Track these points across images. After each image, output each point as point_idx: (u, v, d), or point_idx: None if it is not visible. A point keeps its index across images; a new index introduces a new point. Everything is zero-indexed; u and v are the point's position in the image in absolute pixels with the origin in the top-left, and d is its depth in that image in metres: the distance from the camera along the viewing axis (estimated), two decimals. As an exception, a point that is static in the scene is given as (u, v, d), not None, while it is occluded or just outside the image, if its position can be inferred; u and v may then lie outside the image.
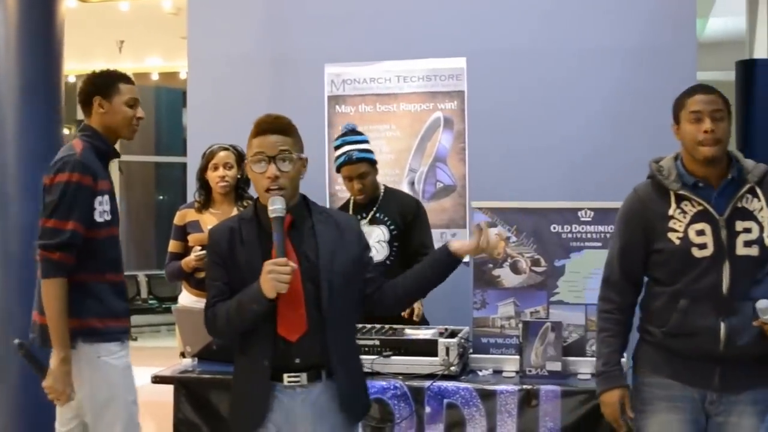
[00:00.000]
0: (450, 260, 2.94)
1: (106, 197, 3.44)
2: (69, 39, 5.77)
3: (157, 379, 3.88)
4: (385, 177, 5.07)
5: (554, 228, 3.88)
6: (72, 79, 12.30)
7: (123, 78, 3.56)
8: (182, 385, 3.85)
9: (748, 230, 2.93)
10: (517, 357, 3.78)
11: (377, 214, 4.40)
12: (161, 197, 14.93)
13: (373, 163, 4.39)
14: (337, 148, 4.42)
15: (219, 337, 3.22)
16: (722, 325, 2.91)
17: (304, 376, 2.87)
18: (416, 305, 4.21)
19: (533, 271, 3.90)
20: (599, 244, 3.83)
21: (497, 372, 3.83)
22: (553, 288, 3.87)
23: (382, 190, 4.48)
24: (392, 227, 4.38)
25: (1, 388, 5.03)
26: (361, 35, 5.35)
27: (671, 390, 3.03)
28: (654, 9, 5.08)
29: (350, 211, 4.42)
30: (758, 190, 2.97)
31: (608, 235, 3.79)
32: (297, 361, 2.85)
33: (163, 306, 12.58)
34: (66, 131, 13.35)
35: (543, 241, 3.89)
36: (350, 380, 2.95)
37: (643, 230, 3.06)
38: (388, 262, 4.37)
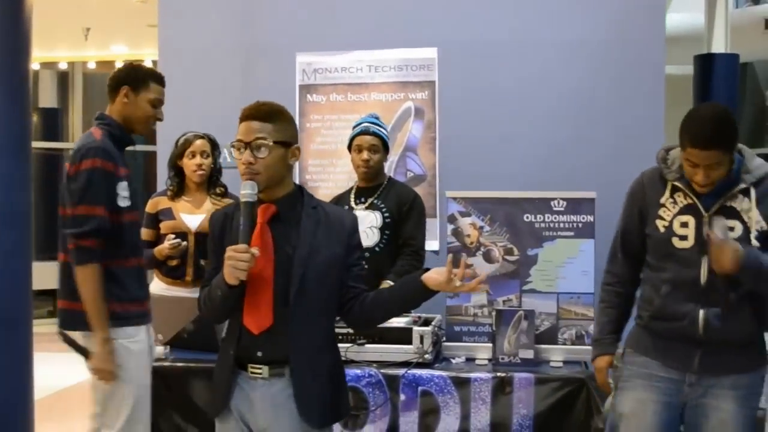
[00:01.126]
0: (422, 293, 2.82)
1: (125, 183, 3.50)
2: (35, 26, 5.71)
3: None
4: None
5: (527, 217, 3.92)
6: (36, 67, 12.17)
7: (156, 78, 3.64)
8: (156, 373, 3.84)
9: (731, 229, 2.98)
10: (490, 345, 3.82)
11: (375, 201, 4.41)
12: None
13: (386, 144, 4.41)
14: (356, 126, 4.44)
15: (209, 320, 3.29)
16: (701, 312, 2.99)
17: (266, 369, 2.81)
18: None
19: (506, 260, 3.94)
20: (572, 233, 3.88)
21: (470, 360, 3.87)
22: (525, 277, 3.91)
23: (386, 180, 4.49)
24: (386, 215, 4.38)
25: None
26: (333, 24, 5.36)
27: (651, 369, 3.11)
28: (624, 2, 5.13)
29: (352, 197, 4.44)
30: (752, 191, 3.00)
31: (580, 225, 3.89)
32: (259, 354, 2.81)
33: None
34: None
35: (516, 230, 3.93)
36: (314, 383, 2.82)
37: (639, 213, 3.15)
38: (377, 248, 4.37)
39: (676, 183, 3.06)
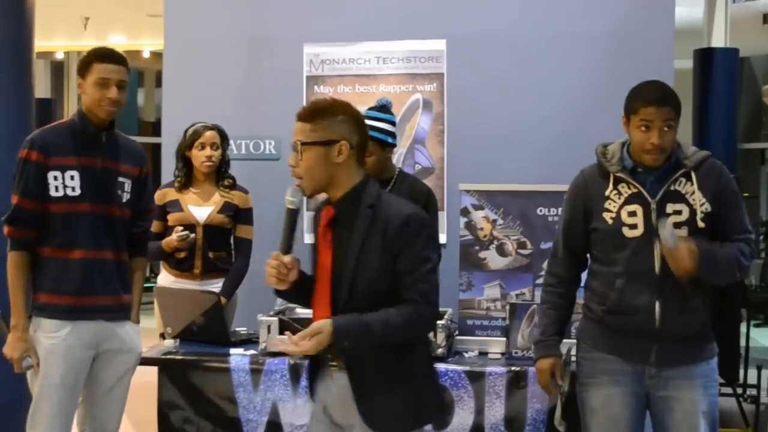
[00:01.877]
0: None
1: (73, 173, 3.41)
2: (38, 15, 5.66)
3: (141, 361, 3.84)
4: (363, 158, 5.06)
5: (541, 211, 3.91)
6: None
7: (99, 57, 3.47)
8: (166, 367, 3.83)
9: (678, 212, 3.05)
10: (503, 339, 3.80)
11: None
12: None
13: (383, 144, 4.20)
14: None
15: None
16: (657, 304, 3.03)
17: (337, 362, 2.78)
18: None
19: (519, 254, 3.93)
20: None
21: (483, 354, 3.85)
22: (539, 270, 3.89)
23: (396, 173, 4.37)
24: None
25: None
26: (341, 15, 5.31)
27: (611, 364, 3.15)
28: (633, -6, 5.11)
29: None
30: (693, 175, 3.06)
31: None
32: (328, 354, 2.76)
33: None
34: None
35: (529, 223, 3.92)
36: (372, 388, 2.73)
37: (583, 209, 3.19)
38: None
39: (619, 174, 3.11)
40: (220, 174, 4.56)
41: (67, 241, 3.43)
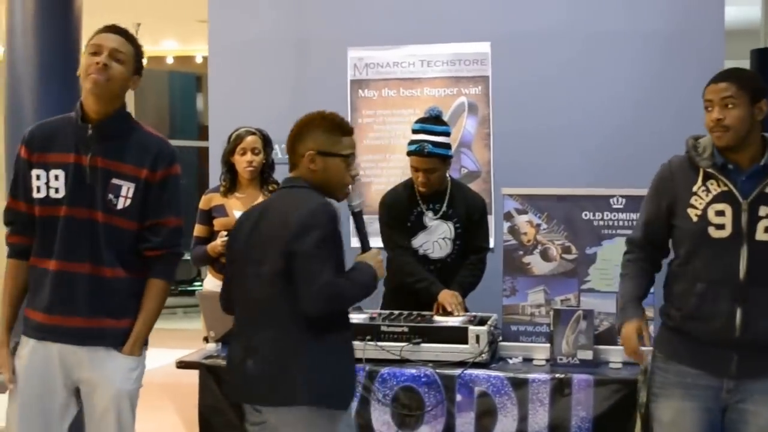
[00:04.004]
0: None
1: (57, 172, 3.02)
2: (86, 21, 5.73)
3: (182, 365, 3.85)
4: (408, 162, 5.02)
5: (586, 215, 3.84)
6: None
7: (98, 30, 3.08)
8: (208, 371, 3.82)
9: None
10: (547, 345, 3.74)
11: (448, 210, 4.29)
12: (177, 181, 14.88)
13: (445, 159, 4.22)
14: (414, 132, 4.26)
15: (341, 308, 3.01)
16: (738, 311, 2.87)
17: None
18: (454, 303, 4.05)
19: (564, 259, 3.86)
20: (631, 231, 3.78)
21: (527, 360, 3.79)
22: (584, 276, 3.83)
23: (449, 182, 4.34)
24: (458, 225, 4.29)
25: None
26: (385, 19, 5.29)
27: (686, 377, 2.99)
28: (681, -8, 5.02)
29: (418, 203, 4.30)
30: None
31: (641, 223, 3.78)
32: None
33: (180, 289, 12.56)
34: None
35: (574, 228, 3.85)
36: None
37: (668, 201, 3.04)
38: (448, 259, 4.31)
39: (709, 170, 2.96)
40: (264, 178, 4.57)
41: (44, 250, 3.03)
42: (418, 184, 4.26)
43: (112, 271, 3.02)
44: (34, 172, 3.02)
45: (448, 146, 4.26)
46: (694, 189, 2.97)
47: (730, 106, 2.89)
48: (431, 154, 4.15)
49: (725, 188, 2.93)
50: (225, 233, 4.41)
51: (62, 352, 3.01)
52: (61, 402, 3.05)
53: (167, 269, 3.16)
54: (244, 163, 4.48)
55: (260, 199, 4.52)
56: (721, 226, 2.90)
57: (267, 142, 4.55)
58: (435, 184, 4.25)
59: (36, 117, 5.06)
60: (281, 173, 4.67)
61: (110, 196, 3.01)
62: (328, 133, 3.01)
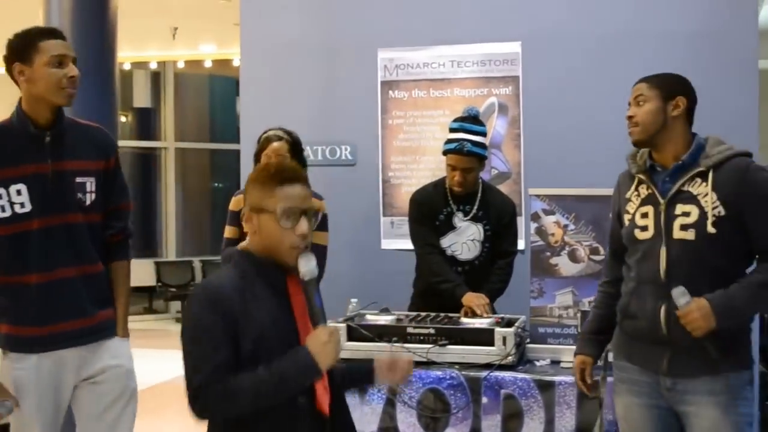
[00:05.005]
0: (369, 382, 2.72)
1: (18, 187, 2.96)
2: (123, 26, 5.80)
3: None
4: (439, 164, 5.01)
5: (613, 215, 3.79)
6: (127, 67, 12.41)
7: (43, 34, 3.00)
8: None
9: (686, 214, 2.90)
10: (575, 347, 3.70)
11: (479, 212, 4.28)
12: (216, 184, 15.04)
13: (482, 159, 4.23)
14: (452, 130, 4.26)
15: (228, 416, 2.36)
16: (662, 309, 2.89)
17: None
18: (480, 305, 4.02)
19: (592, 260, 3.83)
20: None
21: (555, 362, 3.76)
22: (612, 277, 3.78)
23: (480, 184, 4.33)
24: (487, 227, 4.29)
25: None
26: (415, 20, 5.28)
27: (629, 373, 3.06)
28: (715, -7, 4.94)
29: (449, 203, 4.29)
30: (710, 175, 2.90)
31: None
32: None
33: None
34: (123, 119, 13.59)
35: (602, 228, 3.81)
36: None
37: (617, 212, 3.16)
38: (476, 262, 4.30)
39: (640, 175, 3.05)
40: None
41: (19, 266, 3.00)
42: (453, 184, 4.23)
43: (96, 266, 3.10)
44: None
45: (485, 146, 4.26)
46: (627, 195, 3.08)
47: (641, 103, 3.01)
48: (470, 152, 4.15)
49: (650, 191, 3.00)
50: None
51: (68, 356, 3.06)
52: (67, 404, 3.13)
53: (127, 250, 3.26)
54: (269, 168, 4.47)
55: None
56: (644, 228, 2.99)
57: (296, 147, 4.50)
58: (470, 184, 4.24)
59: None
60: (312, 175, 4.68)
61: (79, 195, 3.04)
62: (260, 186, 2.45)
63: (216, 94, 15.00)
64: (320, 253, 4.57)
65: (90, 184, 3.06)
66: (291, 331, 2.43)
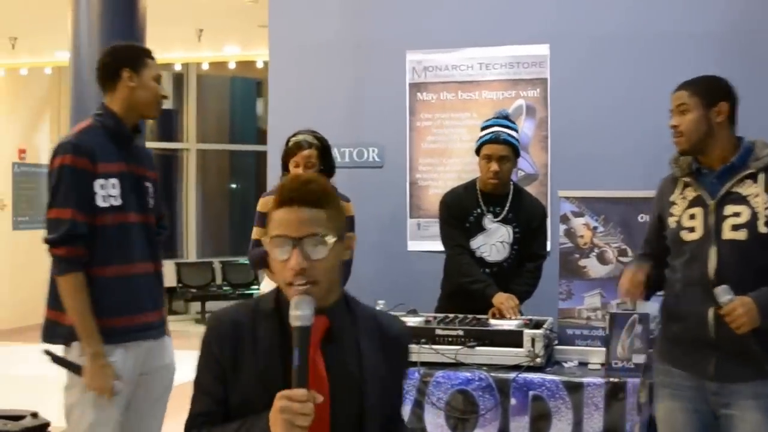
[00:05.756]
0: None
1: (114, 181, 3.18)
2: (150, 29, 5.84)
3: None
4: (466, 166, 5.03)
5: (642, 218, 3.80)
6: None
7: (149, 53, 3.35)
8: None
9: (737, 214, 2.93)
10: (603, 349, 3.70)
11: (508, 214, 4.27)
12: (235, 185, 15.07)
13: (516, 151, 4.21)
14: (484, 128, 4.25)
15: None
16: (710, 312, 2.90)
17: None
18: (509, 306, 4.03)
19: (620, 262, 3.83)
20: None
21: (583, 364, 3.76)
22: (641, 279, 3.79)
23: (512, 186, 4.33)
24: (517, 230, 4.28)
25: None
26: (443, 22, 5.30)
27: (672, 377, 3.07)
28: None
29: (479, 204, 4.27)
30: (760, 176, 2.95)
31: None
32: None
33: (237, 292, 12.74)
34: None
35: (630, 230, 3.82)
36: None
37: (659, 216, 3.18)
38: (505, 264, 4.29)
39: (686, 178, 3.06)
40: (322, 181, 4.57)
41: (112, 257, 3.18)
42: (488, 176, 4.18)
43: (161, 264, 3.40)
44: (98, 182, 3.16)
45: (518, 141, 4.27)
46: (672, 198, 3.10)
47: (684, 112, 3.02)
48: (506, 140, 4.14)
49: (697, 193, 3.01)
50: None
51: (145, 348, 3.29)
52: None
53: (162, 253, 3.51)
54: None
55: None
56: (692, 229, 3.00)
57: (325, 152, 4.48)
58: (505, 176, 4.21)
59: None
60: (339, 177, 4.69)
61: (148, 198, 3.36)
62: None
63: (237, 96, 15.05)
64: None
65: (152, 189, 3.37)
66: (283, 382, 1.96)
